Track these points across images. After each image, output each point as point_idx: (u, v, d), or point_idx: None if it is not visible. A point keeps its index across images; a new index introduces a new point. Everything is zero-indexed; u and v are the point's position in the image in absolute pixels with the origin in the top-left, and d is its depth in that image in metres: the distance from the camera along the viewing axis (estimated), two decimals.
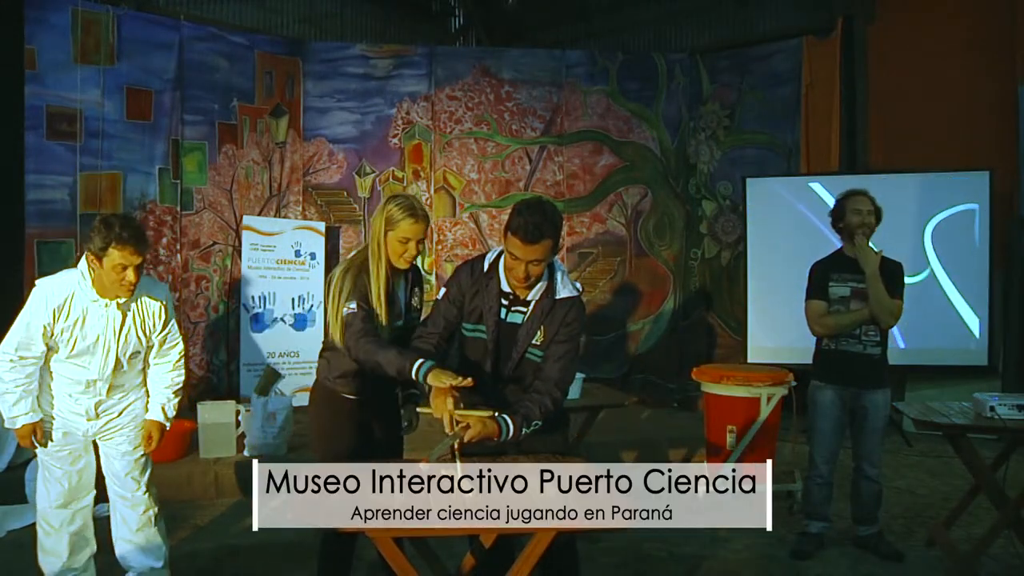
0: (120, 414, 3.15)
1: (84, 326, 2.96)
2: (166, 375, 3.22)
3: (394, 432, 3.11)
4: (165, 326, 3.15)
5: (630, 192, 7.30)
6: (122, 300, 2.99)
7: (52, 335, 2.94)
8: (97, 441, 3.16)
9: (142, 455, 3.20)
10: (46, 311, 2.92)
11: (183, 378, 3.28)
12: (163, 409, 3.20)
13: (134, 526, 3.20)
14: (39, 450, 3.09)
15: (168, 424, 3.24)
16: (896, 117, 6.56)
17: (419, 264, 3.08)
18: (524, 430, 2.58)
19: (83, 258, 2.96)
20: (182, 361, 3.26)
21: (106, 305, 2.97)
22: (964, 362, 5.92)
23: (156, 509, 3.25)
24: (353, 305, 2.82)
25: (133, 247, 2.85)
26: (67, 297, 2.93)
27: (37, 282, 3.01)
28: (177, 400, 3.25)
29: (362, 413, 2.99)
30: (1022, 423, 3.42)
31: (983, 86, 6.23)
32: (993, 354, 5.88)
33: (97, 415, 3.09)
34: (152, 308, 3.10)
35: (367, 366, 2.80)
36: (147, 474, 3.23)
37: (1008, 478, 3.67)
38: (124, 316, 3.02)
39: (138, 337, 3.07)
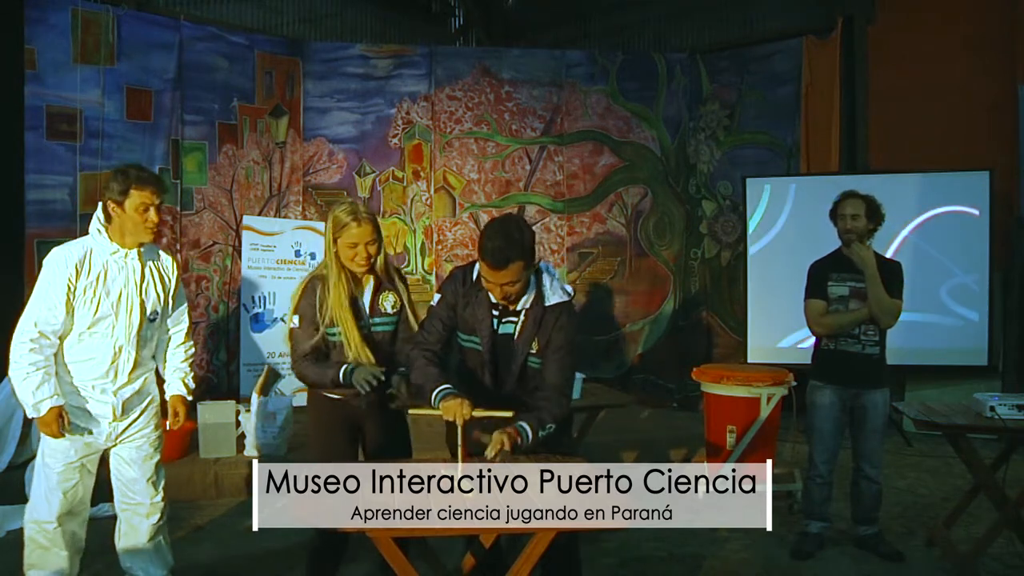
0: (141, 414, 3.10)
1: (107, 281, 2.92)
2: (180, 348, 3.23)
3: (391, 427, 3.04)
4: (177, 285, 3.18)
5: (630, 192, 7.30)
6: (143, 247, 2.99)
7: (75, 295, 2.86)
8: (114, 449, 3.08)
9: (160, 459, 3.17)
10: (66, 269, 2.86)
11: (194, 348, 3.32)
12: (184, 383, 3.22)
13: (145, 536, 3.14)
14: (44, 460, 2.99)
15: (191, 397, 3.24)
16: (896, 117, 6.57)
17: (385, 265, 3.01)
18: (540, 433, 2.61)
19: (94, 217, 2.95)
20: (191, 330, 3.30)
21: (126, 255, 2.95)
22: (964, 362, 5.92)
23: (165, 517, 3.22)
24: (296, 320, 2.89)
25: (153, 186, 2.91)
26: (85, 253, 2.91)
27: (50, 253, 2.94)
28: (192, 374, 3.27)
29: (351, 413, 2.96)
30: (1022, 423, 3.42)
31: (983, 86, 6.23)
32: (993, 354, 5.88)
33: (123, 412, 3.02)
34: (166, 263, 3.14)
35: (309, 383, 2.93)
36: (163, 481, 3.19)
37: (1008, 478, 3.67)
38: (143, 267, 3.01)
39: (157, 293, 3.06)
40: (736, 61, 7.20)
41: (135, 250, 2.97)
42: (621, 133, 7.28)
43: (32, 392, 2.83)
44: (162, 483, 3.18)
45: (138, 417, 3.09)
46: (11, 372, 2.85)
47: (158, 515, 3.15)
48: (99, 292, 2.90)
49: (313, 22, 7.64)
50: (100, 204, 2.95)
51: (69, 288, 2.86)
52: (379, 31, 8.07)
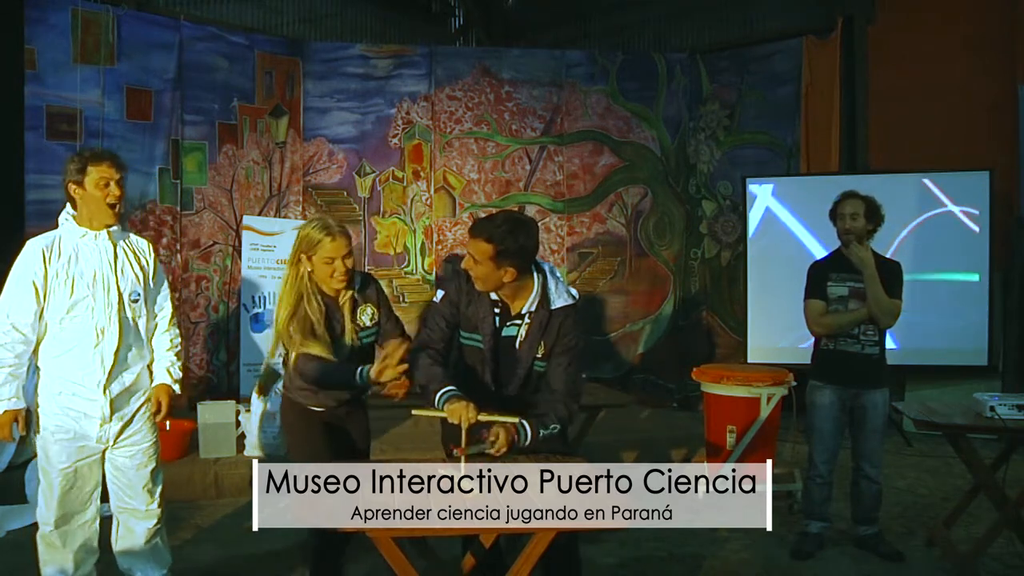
0: (133, 417, 3.00)
1: (79, 262, 2.87)
2: (164, 335, 3.15)
3: (366, 430, 3.16)
4: (156, 267, 3.11)
5: (630, 192, 7.30)
6: (112, 229, 2.94)
7: (47, 282, 2.81)
8: (108, 453, 3.00)
9: (156, 466, 3.10)
10: (35, 256, 2.82)
11: (180, 338, 3.23)
12: (168, 372, 3.13)
13: (142, 538, 3.09)
14: (42, 464, 2.93)
15: (176, 387, 3.14)
16: (896, 117, 6.57)
17: (357, 281, 3.00)
18: (541, 432, 2.61)
19: (63, 211, 2.93)
20: (175, 318, 3.22)
21: (96, 237, 2.91)
22: (964, 362, 5.92)
23: (162, 520, 3.16)
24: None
25: (110, 161, 2.89)
26: (54, 239, 2.88)
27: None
28: (180, 363, 3.18)
29: (334, 422, 3.02)
30: (1022, 423, 3.42)
31: (983, 86, 6.23)
32: (993, 354, 5.88)
33: (111, 414, 2.92)
34: (141, 244, 3.09)
35: (313, 384, 2.90)
36: (160, 486, 3.12)
37: (1008, 478, 3.67)
38: (115, 247, 2.96)
39: (135, 274, 2.99)
40: (736, 61, 7.19)
41: (104, 231, 2.92)
42: (621, 133, 7.28)
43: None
44: (159, 489, 3.11)
45: (131, 419, 3.00)
46: None
47: (154, 520, 3.10)
48: (72, 274, 2.86)
49: (313, 22, 7.64)
50: (68, 206, 2.93)
51: (40, 275, 2.81)
52: (379, 31, 8.07)
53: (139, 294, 3.01)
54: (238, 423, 5.01)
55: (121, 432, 2.98)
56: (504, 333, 2.75)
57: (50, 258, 2.84)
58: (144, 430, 3.06)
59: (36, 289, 2.82)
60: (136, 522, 3.09)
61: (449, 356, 2.84)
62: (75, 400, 2.90)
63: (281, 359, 3.08)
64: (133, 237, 3.10)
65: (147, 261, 3.09)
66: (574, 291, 2.81)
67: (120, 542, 3.13)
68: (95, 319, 2.89)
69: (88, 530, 3.05)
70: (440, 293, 2.85)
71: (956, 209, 5.93)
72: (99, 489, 3.04)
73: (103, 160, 2.88)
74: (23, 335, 2.83)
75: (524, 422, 2.58)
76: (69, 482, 2.93)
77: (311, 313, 2.86)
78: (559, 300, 2.73)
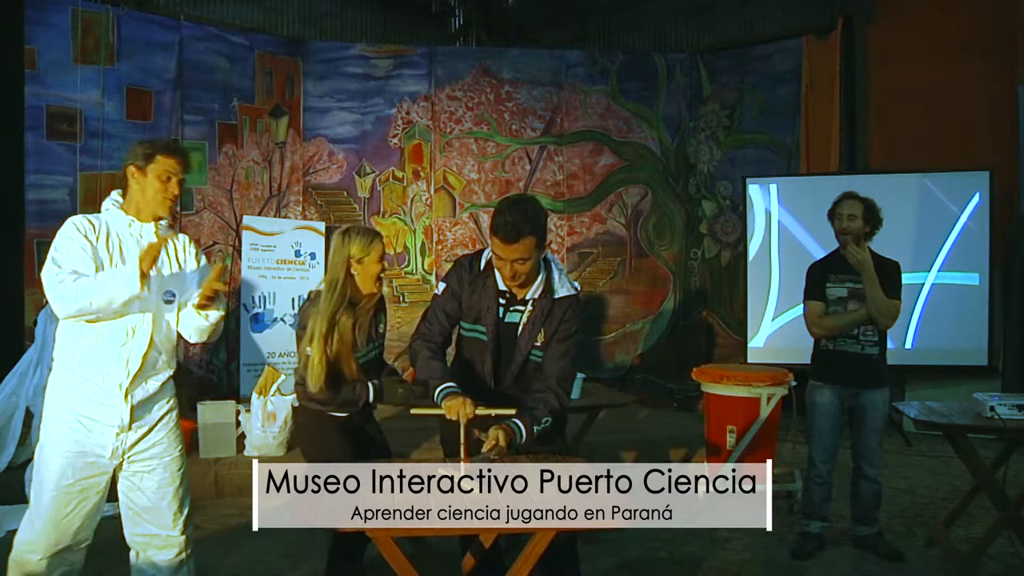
0: (154, 427, 2.65)
1: (123, 251, 2.61)
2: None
3: (379, 432, 3.23)
4: (198, 264, 2.79)
5: (630, 192, 7.30)
6: (162, 222, 2.68)
7: (95, 250, 2.56)
8: (123, 469, 2.62)
9: (182, 487, 2.71)
10: (81, 229, 2.56)
11: (220, 320, 2.76)
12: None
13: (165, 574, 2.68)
14: (37, 481, 2.59)
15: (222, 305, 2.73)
16: (896, 117, 6.57)
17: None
18: (535, 428, 2.59)
19: (108, 199, 2.70)
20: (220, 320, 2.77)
21: (142, 228, 2.64)
22: (964, 362, 5.92)
23: (189, 551, 2.74)
24: (310, 351, 2.93)
25: (180, 158, 2.69)
26: (101, 222, 2.63)
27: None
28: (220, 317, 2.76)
29: (346, 425, 3.06)
30: (1022, 423, 3.42)
31: (983, 86, 6.24)
32: (993, 354, 5.88)
33: (130, 422, 2.57)
34: (184, 240, 2.80)
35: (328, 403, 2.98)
36: (186, 511, 2.71)
37: (1008, 478, 3.67)
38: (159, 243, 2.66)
39: (173, 273, 2.70)
40: (736, 61, 7.20)
41: (152, 224, 2.65)
42: (621, 133, 7.29)
43: (111, 277, 2.48)
44: (184, 515, 2.70)
45: (150, 431, 2.63)
46: (72, 304, 2.47)
47: (175, 550, 2.69)
48: (115, 261, 2.57)
49: (313, 22, 7.64)
50: (115, 191, 2.71)
51: (87, 246, 2.54)
52: (379, 31, 8.07)
53: (173, 295, 2.68)
54: (238, 423, 5.01)
55: (139, 442, 2.62)
56: (507, 320, 2.74)
57: (97, 237, 2.59)
58: (168, 442, 2.69)
59: (93, 255, 2.56)
60: (157, 552, 2.68)
61: (446, 346, 2.83)
62: (89, 405, 2.55)
63: (295, 372, 3.14)
64: (180, 235, 2.83)
65: (187, 257, 2.77)
66: (576, 283, 2.81)
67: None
68: (128, 320, 2.58)
69: (77, 553, 2.66)
70: (442, 286, 2.83)
71: (956, 209, 5.93)
72: (99, 514, 2.67)
73: (174, 155, 2.67)
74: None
75: (518, 421, 2.56)
76: (68, 503, 2.55)
77: (344, 331, 2.95)
78: (562, 290, 2.73)
